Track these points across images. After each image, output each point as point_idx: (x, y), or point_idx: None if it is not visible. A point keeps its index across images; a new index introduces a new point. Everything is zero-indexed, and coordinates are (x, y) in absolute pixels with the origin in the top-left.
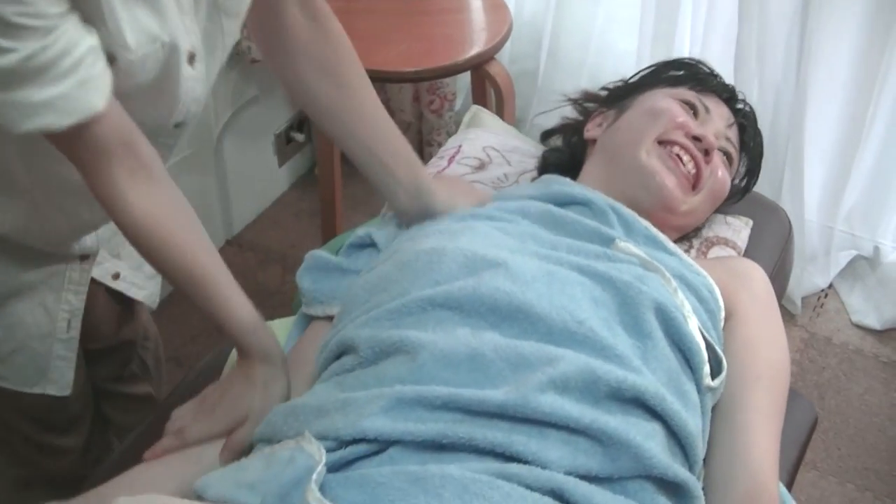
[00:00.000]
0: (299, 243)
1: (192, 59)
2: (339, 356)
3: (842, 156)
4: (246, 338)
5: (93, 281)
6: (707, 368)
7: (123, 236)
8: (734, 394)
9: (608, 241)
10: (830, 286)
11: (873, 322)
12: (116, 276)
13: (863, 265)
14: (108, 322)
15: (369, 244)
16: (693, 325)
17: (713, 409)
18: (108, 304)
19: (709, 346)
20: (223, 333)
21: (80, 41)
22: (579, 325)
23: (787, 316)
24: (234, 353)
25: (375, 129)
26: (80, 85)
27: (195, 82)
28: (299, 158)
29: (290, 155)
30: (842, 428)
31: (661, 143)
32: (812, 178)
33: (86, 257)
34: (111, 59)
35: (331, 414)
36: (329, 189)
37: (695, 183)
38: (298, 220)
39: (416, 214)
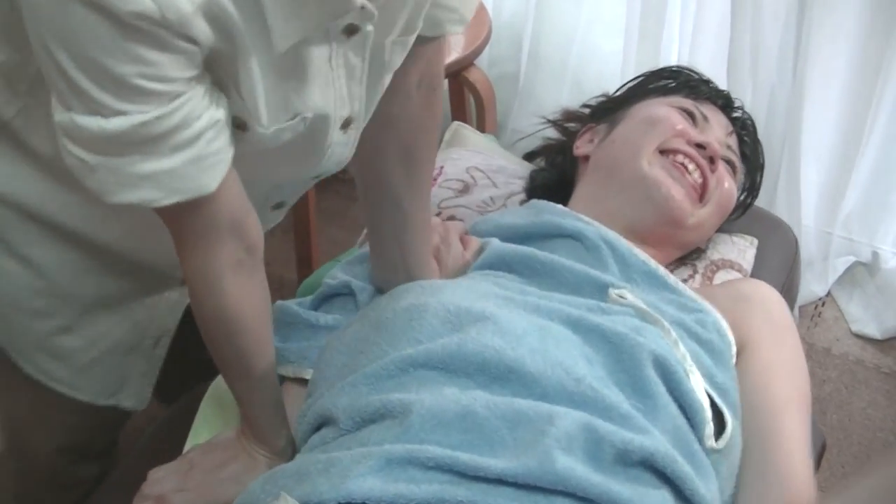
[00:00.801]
0: (273, 260)
1: (347, 124)
2: (317, 428)
3: (840, 159)
4: (267, 431)
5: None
6: (710, 429)
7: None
8: (764, 425)
9: (602, 289)
10: (828, 294)
11: (873, 331)
12: None
13: (861, 272)
14: None
15: (344, 293)
16: (696, 382)
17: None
18: None
19: (713, 404)
20: (244, 416)
21: (203, 114)
22: (577, 384)
23: None
24: (214, 386)
25: (415, 229)
26: (193, 162)
27: (343, 147)
28: None
29: None
30: (845, 445)
31: (663, 152)
32: (809, 182)
33: None
34: (241, 126)
35: (312, 477)
36: (303, 202)
37: (701, 194)
38: (272, 236)
39: None
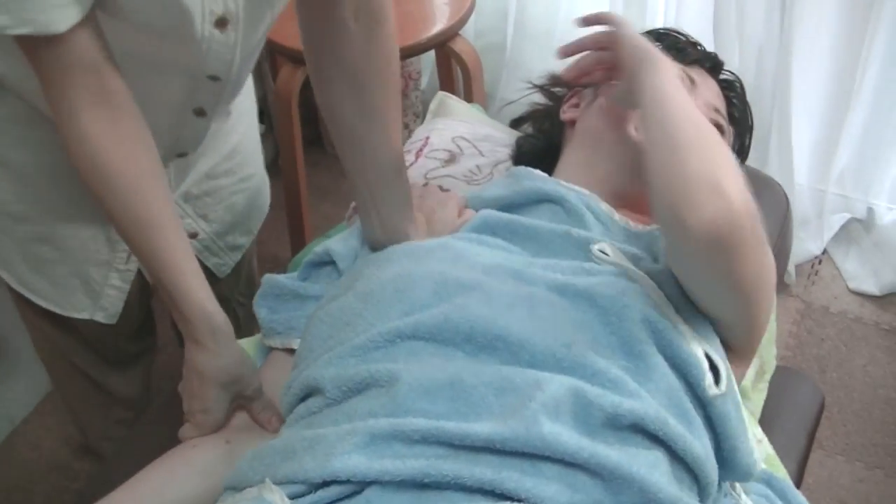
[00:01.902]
0: (266, 238)
1: (221, 23)
2: (303, 398)
3: (831, 115)
4: (178, 313)
5: None
6: (709, 378)
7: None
8: None
9: (584, 246)
10: (824, 252)
11: (871, 288)
12: (194, 236)
13: (857, 228)
14: None
15: (328, 262)
16: (688, 336)
17: None
18: None
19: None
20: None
21: None
22: (566, 350)
23: (781, 286)
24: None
25: (381, 165)
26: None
27: (224, 47)
28: (261, 149)
29: None
30: (846, 403)
31: None
32: (801, 140)
33: None
34: None
35: (298, 455)
36: (293, 180)
37: None
38: None
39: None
